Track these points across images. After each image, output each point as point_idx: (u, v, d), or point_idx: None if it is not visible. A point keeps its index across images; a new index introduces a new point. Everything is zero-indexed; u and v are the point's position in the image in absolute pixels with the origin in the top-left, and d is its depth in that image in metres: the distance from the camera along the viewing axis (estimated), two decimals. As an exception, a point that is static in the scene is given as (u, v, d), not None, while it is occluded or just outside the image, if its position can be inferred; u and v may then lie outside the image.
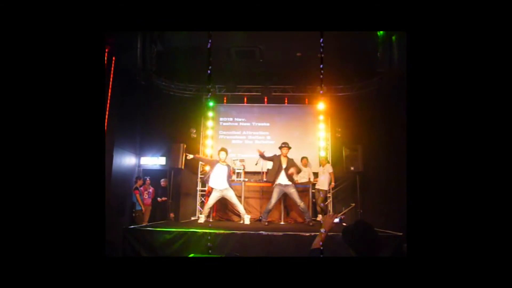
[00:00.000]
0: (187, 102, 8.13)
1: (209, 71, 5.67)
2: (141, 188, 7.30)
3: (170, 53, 6.75)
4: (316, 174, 7.17)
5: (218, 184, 5.58)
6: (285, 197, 5.82)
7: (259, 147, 6.27)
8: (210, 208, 5.81)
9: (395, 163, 6.18)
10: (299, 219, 6.01)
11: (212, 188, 5.68)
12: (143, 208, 7.08)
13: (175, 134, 7.79)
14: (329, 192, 7.20)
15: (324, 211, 6.80)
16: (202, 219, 5.67)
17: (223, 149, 5.83)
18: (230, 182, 5.73)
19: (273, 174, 5.59)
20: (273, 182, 5.53)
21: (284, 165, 5.52)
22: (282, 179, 5.46)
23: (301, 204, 5.39)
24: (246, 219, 5.54)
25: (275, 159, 5.68)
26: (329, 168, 6.82)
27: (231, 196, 5.58)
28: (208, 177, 5.71)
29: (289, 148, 5.67)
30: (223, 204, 6.25)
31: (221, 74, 7.57)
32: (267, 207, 5.56)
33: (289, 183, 5.44)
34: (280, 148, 5.67)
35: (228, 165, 5.77)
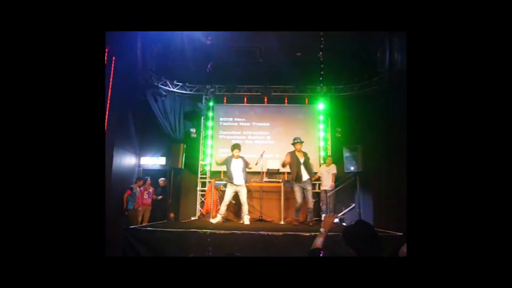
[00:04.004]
0: (187, 102, 8.14)
1: (208, 71, 5.68)
2: (141, 188, 7.30)
3: (170, 53, 6.75)
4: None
5: (236, 179, 5.58)
6: (287, 196, 5.81)
7: (259, 147, 6.26)
8: (227, 205, 5.74)
9: (395, 163, 6.19)
10: (300, 219, 5.99)
11: (214, 187, 5.68)
12: (124, 208, 7.01)
13: (175, 134, 7.79)
14: (328, 192, 7.20)
15: (333, 211, 6.77)
16: (217, 218, 5.64)
17: (236, 146, 5.82)
18: (247, 176, 5.73)
19: (295, 172, 5.43)
20: (300, 181, 5.39)
21: (302, 160, 5.44)
22: (304, 175, 5.39)
23: (311, 204, 5.37)
24: (246, 220, 5.54)
25: (291, 157, 5.52)
26: (333, 169, 6.81)
27: (244, 193, 5.59)
28: (230, 174, 5.65)
29: (302, 142, 5.59)
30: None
31: (221, 74, 7.57)
32: (296, 207, 5.48)
33: (307, 178, 5.38)
34: (294, 144, 5.59)
35: (242, 157, 5.77)
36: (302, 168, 5.40)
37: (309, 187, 5.37)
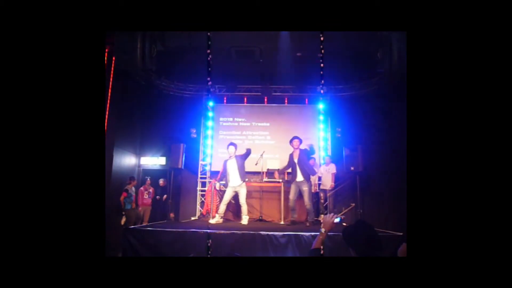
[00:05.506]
0: (187, 102, 8.15)
1: (209, 70, 5.67)
2: (141, 188, 7.29)
3: (170, 53, 6.76)
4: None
5: (232, 181, 5.55)
6: (287, 196, 5.79)
7: (259, 147, 6.23)
8: (226, 205, 5.68)
9: (395, 163, 6.19)
10: (296, 218, 5.98)
11: (215, 188, 5.65)
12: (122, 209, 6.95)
13: (175, 134, 7.80)
14: (328, 192, 7.21)
15: (333, 211, 6.77)
16: (216, 219, 5.61)
17: (231, 144, 5.74)
18: (244, 174, 5.59)
19: (293, 173, 5.46)
20: (293, 181, 5.42)
21: (296, 160, 5.41)
22: (298, 175, 5.36)
23: (308, 204, 5.35)
24: (245, 220, 5.53)
25: (289, 159, 5.56)
26: (333, 169, 6.81)
27: (242, 194, 5.54)
28: (225, 178, 5.65)
29: (300, 140, 5.51)
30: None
31: (221, 74, 7.58)
32: (290, 206, 5.50)
33: (302, 179, 5.32)
34: (290, 142, 5.55)
35: (237, 156, 5.62)
36: (297, 168, 5.39)
37: (305, 188, 5.29)
